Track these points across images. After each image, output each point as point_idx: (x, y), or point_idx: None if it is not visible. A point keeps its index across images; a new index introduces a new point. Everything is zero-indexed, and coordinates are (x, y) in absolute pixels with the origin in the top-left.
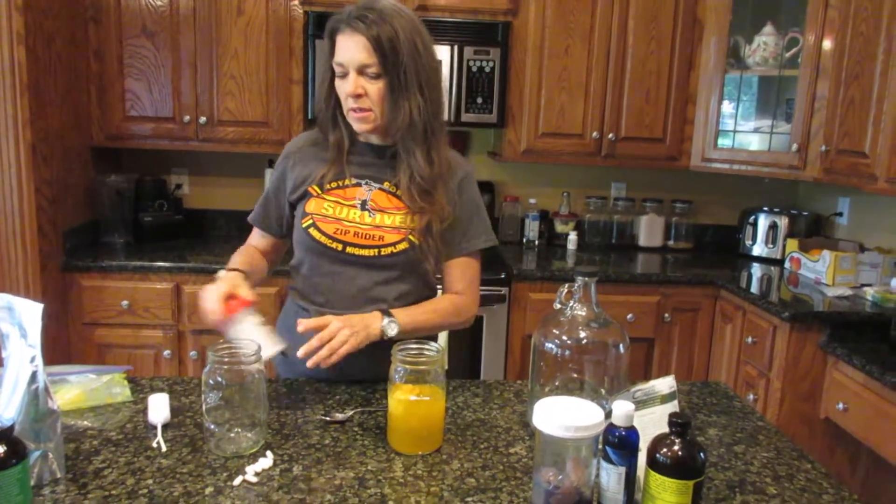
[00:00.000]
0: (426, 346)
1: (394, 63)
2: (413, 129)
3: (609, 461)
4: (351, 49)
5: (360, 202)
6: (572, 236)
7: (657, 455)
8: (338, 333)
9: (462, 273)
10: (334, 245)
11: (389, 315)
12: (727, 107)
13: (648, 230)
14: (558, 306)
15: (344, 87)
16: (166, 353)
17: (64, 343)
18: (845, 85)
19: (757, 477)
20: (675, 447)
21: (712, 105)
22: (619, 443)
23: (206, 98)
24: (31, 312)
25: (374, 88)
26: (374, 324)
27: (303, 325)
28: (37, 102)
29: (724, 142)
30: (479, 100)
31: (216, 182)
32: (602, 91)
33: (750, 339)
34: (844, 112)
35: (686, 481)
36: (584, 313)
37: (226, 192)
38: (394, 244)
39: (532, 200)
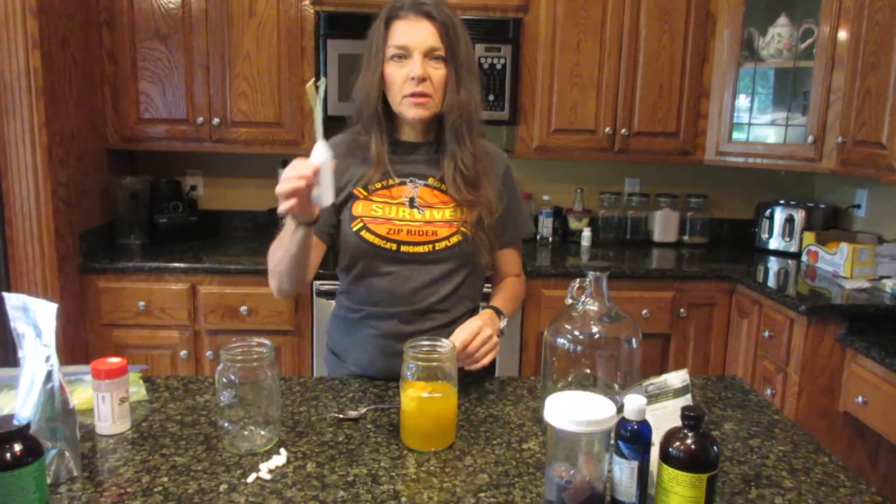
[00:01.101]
0: (438, 343)
1: (456, 51)
2: (465, 118)
3: (622, 455)
4: (420, 33)
5: (407, 199)
6: (586, 233)
7: (670, 449)
8: (481, 331)
9: (516, 258)
10: (388, 245)
11: (498, 311)
12: (742, 100)
13: (663, 225)
14: (570, 301)
15: (403, 71)
16: (183, 353)
17: (82, 344)
18: (861, 75)
19: (773, 471)
20: (688, 440)
21: (726, 98)
22: (632, 437)
23: (219, 99)
24: (45, 312)
25: (438, 74)
26: (497, 321)
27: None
28: (52, 106)
29: (738, 135)
30: (491, 97)
31: (230, 183)
32: (614, 86)
33: (767, 334)
34: (861, 103)
35: (699, 475)
36: (595, 308)
37: (240, 193)
38: (447, 238)
39: (545, 197)
